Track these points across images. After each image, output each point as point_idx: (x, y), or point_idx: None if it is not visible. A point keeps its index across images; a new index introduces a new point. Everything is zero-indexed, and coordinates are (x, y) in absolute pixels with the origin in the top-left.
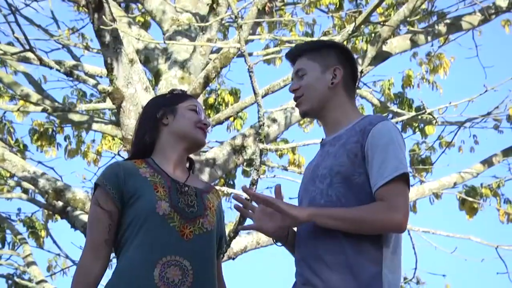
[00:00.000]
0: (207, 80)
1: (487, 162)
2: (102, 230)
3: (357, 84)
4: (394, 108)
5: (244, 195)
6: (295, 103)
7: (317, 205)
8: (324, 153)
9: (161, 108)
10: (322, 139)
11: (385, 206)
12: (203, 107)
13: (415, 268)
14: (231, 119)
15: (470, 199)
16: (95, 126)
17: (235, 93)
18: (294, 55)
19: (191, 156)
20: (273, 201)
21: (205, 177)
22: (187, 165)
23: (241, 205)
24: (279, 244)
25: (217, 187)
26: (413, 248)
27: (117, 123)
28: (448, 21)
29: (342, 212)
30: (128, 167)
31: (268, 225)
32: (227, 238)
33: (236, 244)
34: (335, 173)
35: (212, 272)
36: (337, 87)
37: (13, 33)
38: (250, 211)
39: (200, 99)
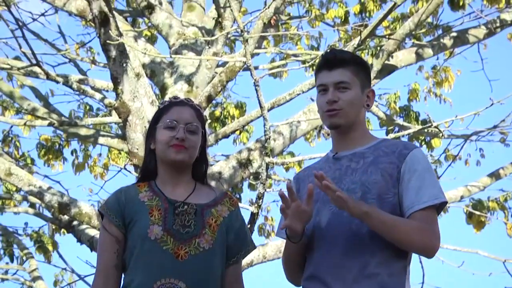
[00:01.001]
0: (213, 94)
1: (494, 175)
2: (110, 255)
3: None
4: (400, 121)
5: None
6: (329, 113)
7: (345, 218)
8: (343, 168)
9: (149, 134)
10: (336, 152)
11: (430, 231)
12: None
13: (422, 283)
14: (237, 132)
15: (477, 212)
16: (101, 140)
17: (240, 107)
18: (336, 63)
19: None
20: (334, 188)
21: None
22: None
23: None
24: (294, 241)
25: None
26: (420, 262)
27: (123, 137)
28: (453, 34)
29: (393, 220)
30: (129, 193)
31: (296, 223)
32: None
33: (249, 255)
34: (369, 189)
35: None
36: (366, 109)
37: (20, 47)
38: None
39: (206, 113)
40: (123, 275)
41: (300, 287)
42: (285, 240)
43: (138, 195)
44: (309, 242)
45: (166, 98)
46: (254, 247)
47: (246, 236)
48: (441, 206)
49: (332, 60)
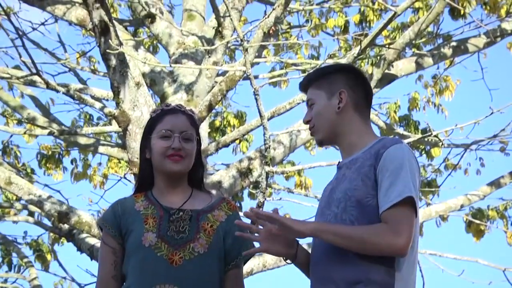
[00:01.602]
0: (213, 103)
1: (494, 184)
2: (108, 267)
3: (371, 101)
4: (400, 130)
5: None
6: (311, 133)
7: None
8: (340, 176)
9: (142, 144)
10: (339, 161)
11: (388, 229)
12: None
13: None
14: (237, 141)
15: (477, 221)
16: (101, 149)
17: (240, 116)
18: (304, 87)
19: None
20: (276, 217)
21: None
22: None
23: (244, 232)
24: (289, 261)
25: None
26: (420, 271)
27: (123, 146)
28: (453, 43)
29: (347, 230)
30: (125, 204)
31: (275, 245)
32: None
33: (250, 262)
34: (349, 197)
35: None
36: (346, 110)
37: (20, 57)
38: (256, 234)
39: (206, 122)
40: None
41: None
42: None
43: (134, 206)
44: (311, 257)
45: (163, 104)
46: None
47: (244, 240)
48: (414, 201)
49: (302, 86)
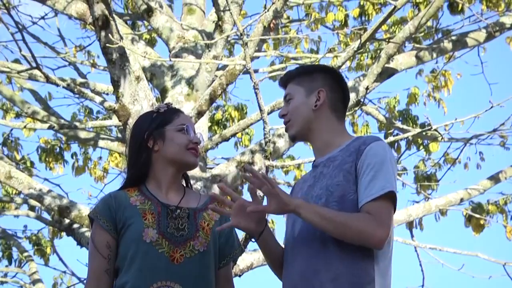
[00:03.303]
0: (213, 97)
1: (494, 179)
2: (101, 260)
3: (348, 106)
4: (399, 124)
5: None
6: (285, 126)
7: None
8: (317, 174)
9: (150, 133)
10: (314, 160)
11: (371, 219)
12: (195, 121)
13: (422, 286)
14: (239, 135)
15: (477, 215)
16: (101, 143)
17: (241, 109)
18: (284, 82)
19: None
20: (269, 179)
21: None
22: (183, 182)
23: (216, 205)
24: (253, 239)
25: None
26: (420, 265)
27: (123, 140)
28: (453, 38)
29: (330, 213)
30: (119, 197)
31: (245, 221)
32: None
33: (242, 261)
34: (331, 192)
35: None
36: (323, 109)
37: (20, 51)
38: (227, 208)
39: (206, 116)
40: (114, 283)
41: None
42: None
43: (129, 200)
44: (285, 252)
45: (165, 103)
46: (242, 251)
47: (234, 240)
48: (394, 196)
49: (282, 81)
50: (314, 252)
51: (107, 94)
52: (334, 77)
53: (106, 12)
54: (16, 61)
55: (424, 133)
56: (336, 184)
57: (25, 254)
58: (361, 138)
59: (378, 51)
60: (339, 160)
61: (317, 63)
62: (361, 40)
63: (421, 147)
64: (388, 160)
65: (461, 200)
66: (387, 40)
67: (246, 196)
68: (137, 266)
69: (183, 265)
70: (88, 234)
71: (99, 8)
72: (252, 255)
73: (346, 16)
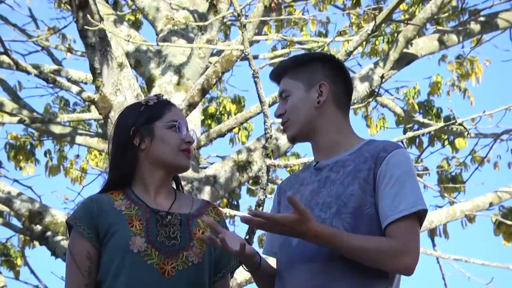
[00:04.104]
0: (206, 87)
1: None
2: (81, 273)
3: (352, 99)
4: (419, 118)
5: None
6: (283, 127)
7: None
8: (322, 179)
9: (136, 129)
10: (317, 162)
11: (399, 247)
12: (186, 115)
13: None
14: (235, 130)
15: (508, 222)
16: (79, 139)
17: (238, 101)
18: (277, 75)
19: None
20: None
21: (204, 197)
22: (174, 184)
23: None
24: (247, 269)
25: (220, 209)
26: (443, 278)
27: (104, 136)
28: (482, 19)
29: (360, 243)
30: (102, 201)
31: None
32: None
33: (240, 275)
34: (344, 203)
35: None
36: (326, 105)
37: None
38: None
39: (199, 108)
40: None
41: None
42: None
43: (113, 204)
44: (279, 265)
45: (155, 94)
46: (240, 263)
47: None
48: (423, 214)
49: (274, 74)
50: (319, 267)
51: (86, 83)
52: (334, 65)
53: None
54: None
55: (447, 127)
56: (350, 194)
57: None
58: (376, 142)
59: (396, 34)
60: (351, 165)
61: (318, 50)
62: (375, 22)
63: (446, 143)
64: (413, 173)
65: (490, 204)
66: (405, 21)
67: (243, 204)
68: (124, 280)
69: (175, 279)
70: (64, 243)
71: None
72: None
73: None
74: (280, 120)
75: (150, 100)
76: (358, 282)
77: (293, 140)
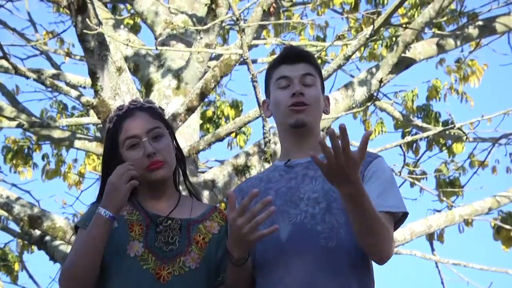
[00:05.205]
0: (205, 91)
1: None
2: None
3: None
4: (418, 122)
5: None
6: (296, 107)
7: (310, 230)
8: (297, 176)
9: (115, 160)
10: (288, 159)
11: (391, 234)
12: (185, 119)
13: None
14: (233, 135)
15: (507, 226)
16: (77, 143)
17: (236, 106)
18: (300, 57)
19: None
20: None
21: (203, 201)
22: (184, 190)
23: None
24: (234, 263)
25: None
26: (442, 283)
27: (102, 140)
28: (480, 23)
29: (376, 211)
30: None
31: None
32: None
33: None
34: (334, 198)
35: None
36: (321, 115)
37: None
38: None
39: (197, 112)
40: None
41: None
42: None
43: None
44: (263, 260)
45: (112, 113)
46: None
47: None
48: (402, 219)
49: (295, 53)
50: (322, 263)
51: (84, 87)
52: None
53: None
54: None
55: (446, 132)
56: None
57: None
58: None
59: (394, 39)
60: None
61: (317, 55)
62: (374, 26)
63: (444, 147)
64: (395, 181)
65: (489, 209)
66: (404, 25)
67: None
68: (118, 283)
69: (170, 284)
70: (62, 247)
71: None
72: None
73: None
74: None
75: (110, 123)
76: (352, 272)
77: (302, 125)
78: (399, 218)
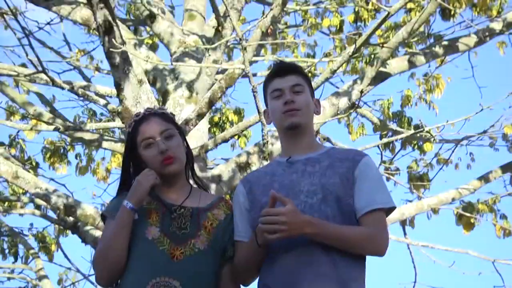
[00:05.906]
0: (213, 100)
1: (484, 179)
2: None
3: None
4: (393, 126)
5: None
6: (289, 112)
7: None
8: (298, 171)
9: (135, 159)
10: (289, 156)
11: (379, 236)
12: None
13: (415, 282)
14: (236, 137)
15: (467, 214)
16: (105, 144)
17: (239, 112)
18: (288, 70)
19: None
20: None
21: (210, 193)
22: (193, 182)
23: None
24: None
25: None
26: (413, 262)
27: None
28: (445, 43)
29: (343, 232)
30: None
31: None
32: None
33: None
34: (330, 192)
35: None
36: (313, 116)
37: (27, 55)
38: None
39: (206, 118)
40: None
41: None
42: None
43: None
44: (271, 246)
45: (130, 119)
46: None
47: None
48: (390, 211)
49: (284, 67)
50: (304, 253)
51: (111, 97)
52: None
53: (110, 18)
54: (23, 65)
55: (417, 134)
56: (333, 184)
57: (31, 251)
58: (340, 148)
59: (372, 56)
60: (326, 162)
61: (307, 70)
62: (356, 45)
63: (416, 147)
64: (382, 177)
65: (453, 199)
66: (381, 45)
67: None
68: (138, 262)
69: (182, 263)
70: (92, 232)
71: (103, 14)
72: None
73: (342, 21)
74: (274, 128)
75: (129, 128)
76: (345, 253)
77: (295, 127)
78: (388, 209)
